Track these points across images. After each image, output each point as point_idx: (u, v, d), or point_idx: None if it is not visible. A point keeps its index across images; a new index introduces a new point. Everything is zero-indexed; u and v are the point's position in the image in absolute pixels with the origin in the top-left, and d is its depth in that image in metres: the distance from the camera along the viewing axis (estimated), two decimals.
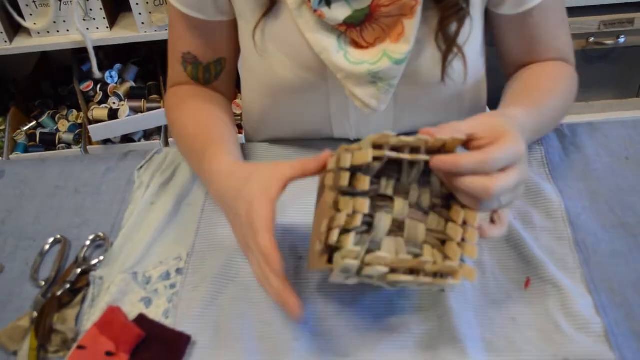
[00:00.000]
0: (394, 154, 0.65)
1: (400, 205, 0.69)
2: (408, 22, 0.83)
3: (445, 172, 0.66)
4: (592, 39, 1.93)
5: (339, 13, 0.84)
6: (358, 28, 0.85)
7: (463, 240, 0.68)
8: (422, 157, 0.66)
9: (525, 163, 0.69)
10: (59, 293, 0.82)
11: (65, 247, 0.90)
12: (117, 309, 0.78)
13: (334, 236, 0.66)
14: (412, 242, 0.69)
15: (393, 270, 0.66)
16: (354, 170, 0.67)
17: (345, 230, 0.66)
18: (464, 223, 0.68)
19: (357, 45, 0.87)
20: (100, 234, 0.90)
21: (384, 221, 0.68)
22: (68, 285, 0.83)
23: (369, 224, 0.68)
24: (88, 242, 0.89)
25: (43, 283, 0.85)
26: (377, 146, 0.65)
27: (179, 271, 0.85)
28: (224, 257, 0.85)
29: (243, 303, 0.80)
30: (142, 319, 0.78)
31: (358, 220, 0.66)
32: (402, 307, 0.77)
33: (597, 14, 1.89)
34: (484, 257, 0.82)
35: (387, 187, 0.69)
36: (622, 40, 1.93)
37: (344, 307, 0.78)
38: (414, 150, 0.67)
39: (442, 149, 0.68)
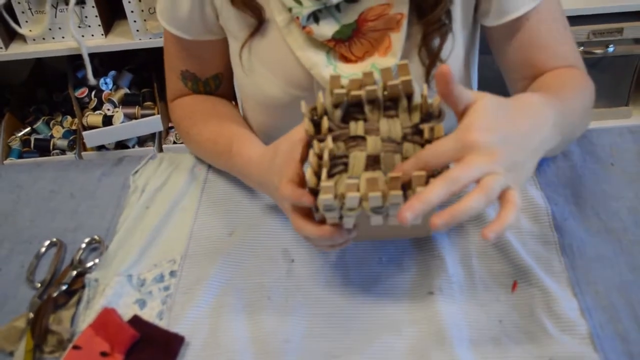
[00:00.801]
0: (342, 91, 0.71)
1: (373, 142, 0.70)
2: (395, 36, 0.85)
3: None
4: (581, 48, 1.95)
5: (327, 29, 0.85)
6: (346, 43, 0.87)
7: None
8: (372, 87, 0.71)
9: (481, 154, 0.63)
10: (54, 294, 0.83)
11: (60, 250, 0.91)
12: (112, 310, 0.79)
13: (309, 176, 0.69)
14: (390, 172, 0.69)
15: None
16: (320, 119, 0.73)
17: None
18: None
19: (346, 59, 0.88)
20: (96, 237, 0.92)
21: (358, 158, 0.70)
22: (64, 287, 0.84)
23: (345, 164, 0.70)
24: (84, 245, 0.91)
25: (39, 285, 0.86)
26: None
27: (172, 274, 0.86)
28: (217, 260, 0.86)
29: (235, 305, 0.81)
30: (136, 320, 0.79)
31: (325, 155, 0.68)
32: (392, 309, 0.79)
33: (587, 24, 1.91)
34: (472, 261, 0.84)
35: (356, 128, 0.71)
36: (611, 49, 1.95)
37: (334, 310, 0.80)
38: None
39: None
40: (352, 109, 0.73)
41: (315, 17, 0.85)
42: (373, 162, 0.69)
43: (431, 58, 0.88)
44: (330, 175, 0.69)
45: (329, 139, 0.69)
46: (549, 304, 0.78)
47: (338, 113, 0.72)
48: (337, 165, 0.70)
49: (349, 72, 0.87)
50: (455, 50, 0.90)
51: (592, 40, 1.93)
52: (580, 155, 0.99)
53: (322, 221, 0.72)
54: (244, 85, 0.97)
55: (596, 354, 0.72)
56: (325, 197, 0.65)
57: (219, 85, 1.03)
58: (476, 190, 0.61)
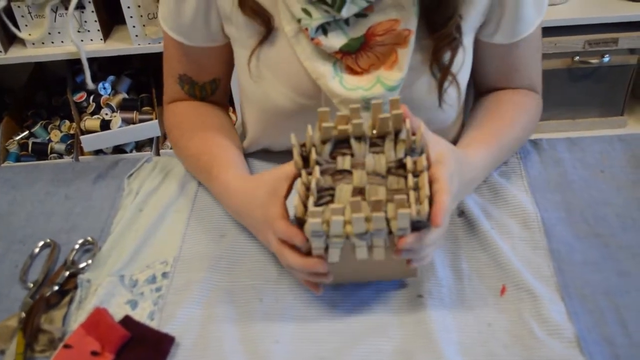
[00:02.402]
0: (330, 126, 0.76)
1: (358, 175, 0.75)
2: (402, 51, 0.86)
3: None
4: (577, 58, 1.97)
5: (336, 41, 0.86)
6: (353, 55, 0.87)
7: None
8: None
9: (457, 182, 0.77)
10: (47, 294, 0.84)
11: (54, 251, 0.92)
12: (103, 310, 0.80)
13: (296, 205, 0.72)
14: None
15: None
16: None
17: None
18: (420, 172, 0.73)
19: (352, 71, 0.88)
20: (89, 239, 0.93)
21: (344, 190, 0.73)
22: (56, 287, 0.85)
23: (332, 196, 0.74)
24: (77, 246, 0.92)
25: (32, 285, 0.87)
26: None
27: (165, 275, 0.87)
28: (209, 262, 0.87)
29: (226, 306, 0.82)
30: (127, 320, 0.80)
31: (313, 184, 0.72)
32: (380, 311, 0.80)
33: (583, 34, 1.92)
34: (461, 264, 0.85)
35: (343, 163, 0.76)
36: (606, 59, 1.97)
37: (323, 312, 0.81)
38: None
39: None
40: (340, 144, 0.78)
41: (324, 29, 0.85)
42: (358, 194, 0.73)
43: (443, 72, 0.89)
44: (317, 205, 0.72)
45: (316, 170, 0.74)
46: (537, 308, 0.78)
47: (326, 148, 0.77)
48: (324, 196, 0.73)
49: (355, 84, 0.87)
50: (465, 64, 0.91)
51: (587, 50, 1.95)
52: (570, 162, 1.00)
53: (308, 254, 0.74)
54: (250, 93, 0.97)
55: (583, 357, 0.73)
56: (313, 221, 0.68)
57: (215, 90, 1.04)
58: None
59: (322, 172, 0.75)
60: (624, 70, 2.01)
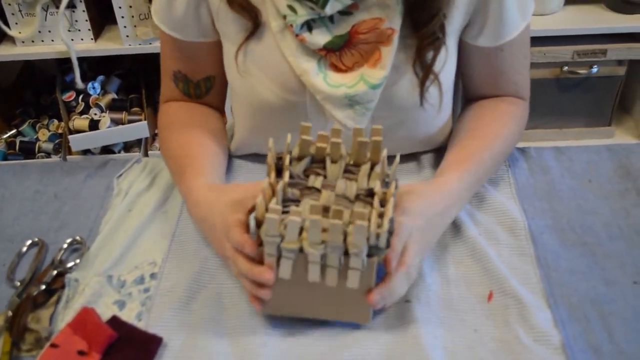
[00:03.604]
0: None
1: (327, 195, 0.75)
2: (385, 49, 0.87)
3: None
4: (566, 68, 1.98)
5: (320, 38, 0.87)
6: (337, 53, 0.88)
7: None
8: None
9: (421, 231, 0.80)
10: (34, 293, 0.84)
11: (42, 250, 0.91)
12: (91, 309, 0.80)
13: (259, 205, 0.72)
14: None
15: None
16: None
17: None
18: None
19: (336, 68, 0.90)
20: (78, 238, 0.92)
21: (309, 204, 0.72)
22: (43, 286, 0.85)
23: (297, 207, 0.73)
24: (65, 245, 0.91)
25: (19, 284, 0.86)
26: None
27: (153, 276, 0.87)
28: (197, 263, 0.87)
29: (215, 308, 0.82)
30: (115, 321, 0.80)
31: (279, 185, 0.73)
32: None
33: (571, 44, 1.94)
34: (449, 270, 0.85)
35: (315, 181, 0.77)
36: (595, 70, 1.98)
37: None
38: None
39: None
40: (316, 163, 0.79)
41: (308, 26, 0.86)
42: (322, 211, 0.72)
43: (425, 70, 0.90)
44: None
45: (286, 175, 0.75)
46: (523, 315, 0.79)
47: (301, 164, 0.78)
48: (288, 206, 0.74)
49: (339, 81, 0.89)
50: (448, 64, 0.92)
51: (576, 61, 1.97)
52: (558, 170, 1.01)
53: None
54: (237, 88, 0.98)
55: None
56: (270, 217, 0.68)
57: (210, 88, 1.04)
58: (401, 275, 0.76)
59: (292, 185, 0.76)
60: (612, 81, 2.03)
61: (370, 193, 0.75)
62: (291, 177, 0.76)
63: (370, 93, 0.88)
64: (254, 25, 0.90)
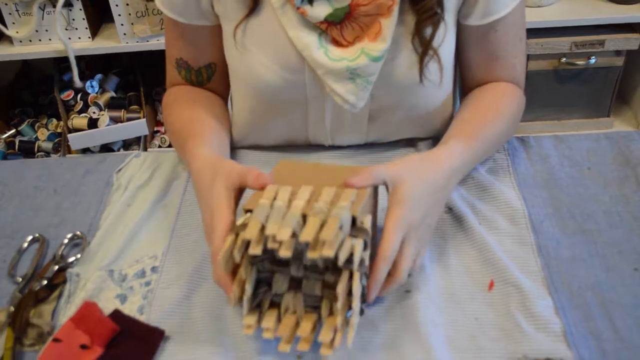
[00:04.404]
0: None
1: (295, 268, 0.73)
2: (385, 21, 0.87)
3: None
4: (564, 59, 1.98)
5: (320, 10, 0.87)
6: (338, 26, 0.89)
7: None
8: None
9: (417, 229, 0.78)
10: (36, 289, 0.84)
11: (43, 246, 0.91)
12: (92, 304, 0.80)
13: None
14: (310, 296, 0.74)
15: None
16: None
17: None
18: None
19: (337, 43, 0.90)
20: (78, 233, 0.92)
21: (281, 281, 0.74)
22: (45, 282, 0.85)
23: (269, 284, 0.75)
24: (66, 241, 0.91)
25: (20, 279, 0.86)
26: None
27: (154, 269, 0.87)
28: (198, 256, 0.87)
29: (216, 301, 0.82)
30: (117, 314, 0.80)
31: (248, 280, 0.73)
32: (369, 306, 0.80)
33: (569, 35, 1.94)
34: (450, 259, 0.85)
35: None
36: (592, 61, 1.98)
37: None
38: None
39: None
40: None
41: None
42: (296, 284, 0.74)
43: (424, 46, 0.90)
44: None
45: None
46: (524, 303, 0.79)
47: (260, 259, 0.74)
48: (262, 286, 0.75)
49: (340, 55, 0.89)
50: (447, 40, 0.93)
51: (574, 52, 1.96)
52: (557, 159, 1.01)
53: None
54: (236, 69, 0.99)
55: (569, 351, 0.74)
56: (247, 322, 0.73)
57: (211, 76, 1.05)
58: (392, 280, 0.77)
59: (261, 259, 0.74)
60: (610, 72, 2.03)
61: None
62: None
63: (371, 66, 0.89)
64: (253, 2, 0.91)
